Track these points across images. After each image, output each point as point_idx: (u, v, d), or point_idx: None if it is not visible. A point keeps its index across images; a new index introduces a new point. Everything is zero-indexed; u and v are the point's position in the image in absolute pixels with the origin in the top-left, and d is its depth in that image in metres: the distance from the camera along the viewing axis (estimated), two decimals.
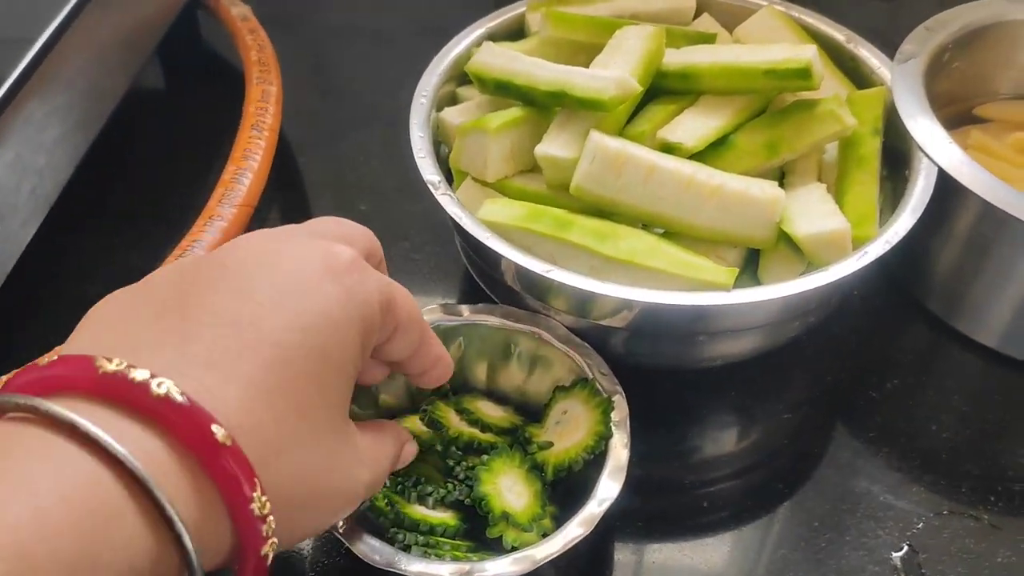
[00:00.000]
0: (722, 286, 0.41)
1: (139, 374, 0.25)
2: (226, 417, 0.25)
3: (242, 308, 0.28)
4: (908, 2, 0.74)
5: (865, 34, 0.54)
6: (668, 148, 0.45)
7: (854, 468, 0.45)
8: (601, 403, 0.39)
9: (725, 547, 0.43)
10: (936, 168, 0.46)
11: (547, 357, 0.42)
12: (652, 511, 0.44)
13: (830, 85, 0.50)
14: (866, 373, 0.50)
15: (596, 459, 0.38)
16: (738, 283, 0.42)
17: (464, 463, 0.38)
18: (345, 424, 0.31)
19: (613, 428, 0.38)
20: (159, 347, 0.26)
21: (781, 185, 0.46)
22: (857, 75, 0.53)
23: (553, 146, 0.45)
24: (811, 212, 0.44)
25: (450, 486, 0.38)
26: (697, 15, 0.55)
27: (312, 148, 0.63)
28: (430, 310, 0.43)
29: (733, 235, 0.44)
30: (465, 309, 0.43)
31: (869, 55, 0.52)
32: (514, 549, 0.35)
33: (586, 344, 0.41)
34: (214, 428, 0.25)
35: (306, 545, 0.42)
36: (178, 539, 0.24)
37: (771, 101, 0.49)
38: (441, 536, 0.36)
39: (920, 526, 0.43)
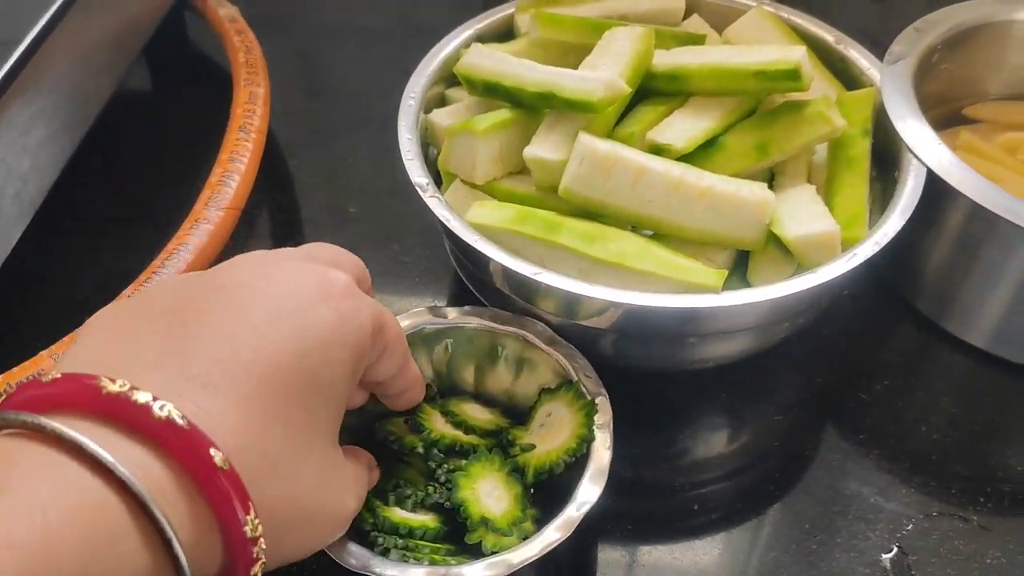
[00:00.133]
0: (711, 288, 0.41)
1: (141, 396, 0.25)
2: (223, 440, 0.26)
3: (240, 330, 0.28)
4: (898, 3, 0.74)
5: (855, 35, 0.54)
6: (657, 150, 0.45)
7: (844, 470, 0.45)
8: (585, 406, 0.39)
9: (715, 549, 0.43)
10: (925, 169, 0.46)
11: (533, 359, 0.42)
12: (642, 513, 0.44)
13: (820, 86, 0.50)
14: (856, 375, 0.49)
15: (579, 462, 0.37)
16: (727, 285, 0.41)
17: (446, 466, 0.38)
18: (335, 450, 0.32)
19: (596, 431, 0.38)
20: (158, 367, 0.27)
21: (771, 186, 0.46)
22: (847, 76, 0.53)
23: (542, 148, 0.45)
24: (800, 214, 0.44)
25: (430, 489, 0.38)
26: (687, 16, 0.55)
27: (302, 149, 0.63)
28: (417, 313, 0.42)
29: (722, 237, 0.44)
30: (452, 312, 0.43)
31: (859, 56, 0.52)
32: (493, 554, 0.35)
33: (571, 346, 0.41)
34: (212, 452, 0.25)
35: None
36: (175, 559, 0.25)
37: (761, 102, 0.49)
38: (421, 539, 0.36)
39: (910, 528, 0.43)
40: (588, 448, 0.38)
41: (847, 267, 0.41)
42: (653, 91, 0.49)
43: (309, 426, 0.29)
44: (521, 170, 0.47)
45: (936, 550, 0.42)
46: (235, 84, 0.58)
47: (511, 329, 0.42)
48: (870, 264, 0.42)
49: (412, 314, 0.42)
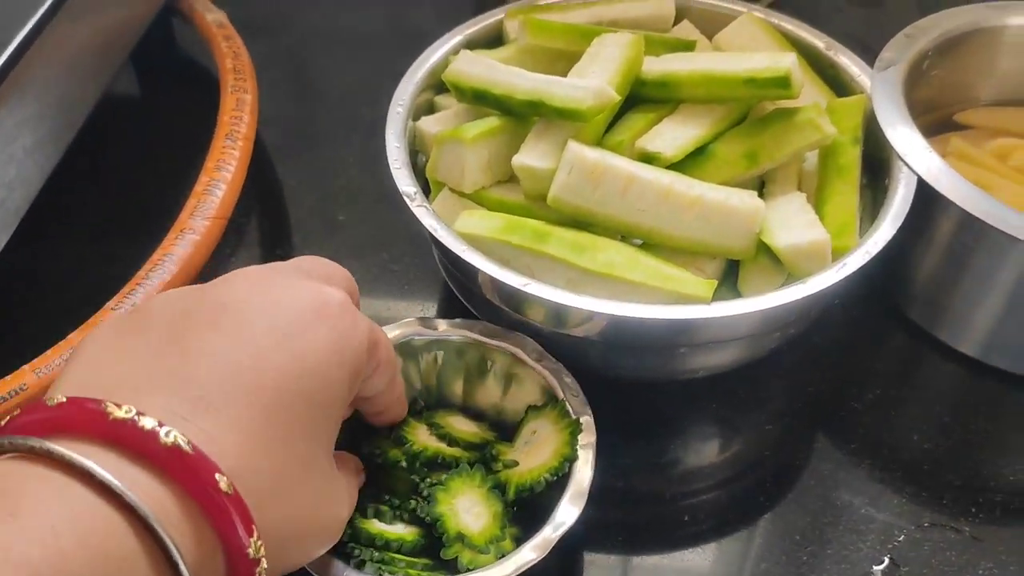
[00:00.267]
0: (701, 299, 0.41)
1: (148, 422, 0.26)
2: (227, 464, 0.27)
3: (240, 351, 0.29)
4: (888, 9, 0.74)
5: (845, 41, 0.53)
6: (647, 158, 0.45)
7: (835, 480, 0.45)
8: (569, 425, 0.38)
9: (706, 560, 0.42)
10: (916, 177, 0.46)
11: (520, 375, 0.42)
12: (633, 524, 0.43)
13: (810, 93, 0.50)
14: (847, 384, 0.49)
15: (561, 481, 0.37)
16: (718, 295, 0.41)
17: (429, 479, 0.38)
18: (330, 465, 0.32)
19: (580, 451, 0.38)
20: (160, 389, 0.28)
21: (761, 194, 0.46)
22: (837, 82, 0.52)
23: (531, 156, 0.44)
24: (791, 223, 0.44)
25: (412, 502, 0.37)
26: (677, 22, 0.55)
27: (290, 156, 0.63)
28: (407, 323, 0.42)
29: (712, 246, 0.44)
30: (442, 323, 0.42)
31: (849, 62, 0.52)
32: (468, 571, 0.34)
33: (560, 364, 0.41)
34: (217, 477, 0.26)
35: None
36: None
37: (751, 110, 0.49)
38: (397, 552, 0.36)
39: (901, 538, 0.43)
40: (570, 468, 0.37)
41: (838, 277, 0.41)
42: (643, 98, 0.48)
43: (308, 445, 0.30)
44: (510, 179, 0.47)
45: (928, 561, 0.42)
46: (222, 90, 0.57)
47: (501, 344, 0.42)
48: (861, 273, 0.42)
49: (402, 324, 0.42)
